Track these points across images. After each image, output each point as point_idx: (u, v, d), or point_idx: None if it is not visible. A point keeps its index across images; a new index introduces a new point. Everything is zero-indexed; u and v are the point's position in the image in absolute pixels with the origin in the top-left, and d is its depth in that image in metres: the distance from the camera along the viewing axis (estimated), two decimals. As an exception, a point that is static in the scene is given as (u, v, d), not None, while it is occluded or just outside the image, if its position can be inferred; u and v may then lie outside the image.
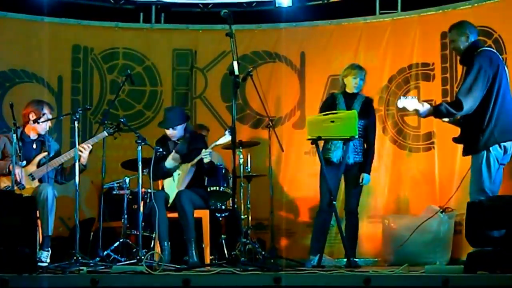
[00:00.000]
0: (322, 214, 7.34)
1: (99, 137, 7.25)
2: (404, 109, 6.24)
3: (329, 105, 7.43)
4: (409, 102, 6.12)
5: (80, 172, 6.94)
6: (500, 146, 6.03)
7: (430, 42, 8.83)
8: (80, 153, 6.99)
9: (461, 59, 6.41)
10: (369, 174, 7.48)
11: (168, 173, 7.47)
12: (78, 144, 6.84)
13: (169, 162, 7.42)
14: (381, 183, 8.92)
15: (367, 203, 8.88)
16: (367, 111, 7.42)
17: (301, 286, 4.89)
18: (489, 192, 5.94)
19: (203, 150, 7.29)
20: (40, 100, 7.40)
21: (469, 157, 6.21)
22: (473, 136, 6.04)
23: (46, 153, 7.15)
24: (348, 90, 7.49)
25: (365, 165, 7.46)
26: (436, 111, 6.18)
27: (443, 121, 6.46)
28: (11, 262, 4.99)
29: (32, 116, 7.08)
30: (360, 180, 7.43)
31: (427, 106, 6.16)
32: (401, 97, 6.22)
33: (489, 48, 6.34)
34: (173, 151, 7.48)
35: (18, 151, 6.82)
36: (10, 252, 5.07)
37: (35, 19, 9.24)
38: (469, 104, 5.98)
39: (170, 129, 7.50)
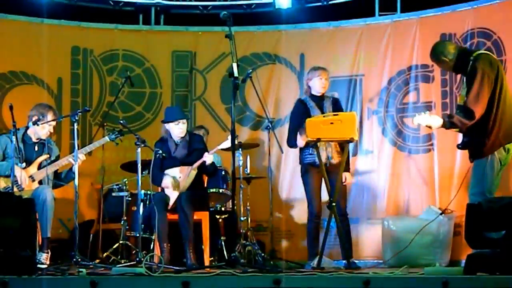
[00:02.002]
0: (313, 219, 7.33)
1: (100, 143, 7.26)
2: (419, 125, 6.23)
3: (301, 112, 7.34)
4: (423, 119, 6.09)
5: (71, 180, 6.96)
6: (504, 149, 6.03)
7: (429, 43, 8.68)
8: (81, 157, 7.00)
9: (454, 70, 6.41)
10: (349, 172, 7.47)
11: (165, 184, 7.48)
12: (78, 146, 6.84)
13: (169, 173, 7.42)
14: (380, 185, 8.92)
15: (367, 205, 8.90)
16: (338, 110, 7.40)
17: (301, 288, 4.89)
18: (488, 194, 5.93)
19: (205, 154, 7.28)
20: (47, 105, 7.35)
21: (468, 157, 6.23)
22: (479, 140, 6.03)
23: (47, 156, 7.16)
24: (315, 92, 7.44)
25: (346, 164, 7.41)
26: (450, 124, 6.14)
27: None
28: (11, 264, 4.99)
29: (34, 119, 7.07)
30: (344, 180, 7.37)
31: (439, 120, 6.12)
32: (416, 114, 6.19)
33: (485, 51, 6.34)
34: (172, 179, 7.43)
35: (18, 153, 6.83)
36: (10, 254, 5.07)
37: (34, 21, 9.24)
38: (479, 111, 5.98)
39: (181, 121, 7.46)
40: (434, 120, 6.11)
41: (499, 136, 5.99)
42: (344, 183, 7.38)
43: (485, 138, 5.99)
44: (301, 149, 7.36)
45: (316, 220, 7.31)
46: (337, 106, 7.47)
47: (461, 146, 6.39)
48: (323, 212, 7.50)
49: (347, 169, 7.43)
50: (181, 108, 7.91)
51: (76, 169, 6.70)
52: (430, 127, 6.19)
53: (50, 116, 7.13)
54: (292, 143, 7.41)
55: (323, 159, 7.19)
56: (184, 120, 7.49)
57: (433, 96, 8.75)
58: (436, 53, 6.38)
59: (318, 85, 7.40)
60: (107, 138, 7.22)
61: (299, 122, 7.17)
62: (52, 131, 7.31)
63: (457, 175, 8.25)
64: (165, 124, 7.52)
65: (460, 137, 6.53)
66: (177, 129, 7.45)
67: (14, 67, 9.11)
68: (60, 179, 7.29)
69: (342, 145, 7.19)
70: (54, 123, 7.22)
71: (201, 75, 9.69)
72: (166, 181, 7.36)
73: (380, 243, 8.43)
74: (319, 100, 7.40)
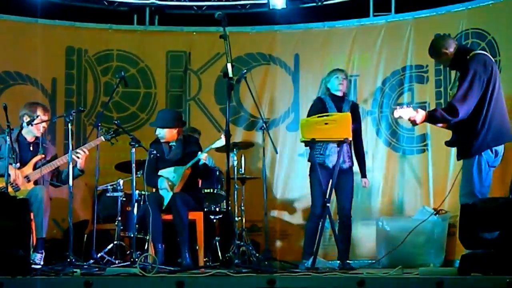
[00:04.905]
0: (314, 219, 7.34)
1: (96, 142, 7.25)
2: (400, 118, 6.21)
3: (319, 109, 7.39)
4: (405, 112, 6.10)
5: (76, 177, 6.97)
6: (491, 150, 6.02)
7: (423, 44, 8.73)
8: (76, 158, 7.01)
9: (450, 65, 6.39)
10: (366, 178, 7.67)
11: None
12: (72, 146, 6.84)
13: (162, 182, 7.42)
14: (375, 185, 8.92)
15: (361, 205, 8.89)
16: (354, 115, 7.42)
17: (295, 288, 4.90)
18: (479, 195, 5.92)
19: (199, 153, 7.29)
20: (34, 102, 7.40)
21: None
22: (467, 141, 6.02)
23: (42, 156, 7.15)
24: (334, 92, 7.48)
25: (362, 170, 7.56)
26: (431, 117, 6.15)
27: (436, 125, 6.46)
28: (5, 264, 4.98)
29: (26, 119, 7.08)
30: (364, 185, 7.65)
31: (421, 113, 6.13)
32: (397, 107, 6.20)
33: (481, 51, 6.31)
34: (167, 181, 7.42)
35: (12, 153, 6.81)
36: (4, 254, 5.06)
37: (29, 21, 9.23)
38: (464, 110, 5.95)
39: (158, 128, 7.50)
40: (418, 114, 6.10)
41: (487, 138, 5.97)
42: (363, 187, 7.76)
43: (473, 138, 5.98)
44: (311, 148, 7.35)
45: (317, 220, 7.33)
46: (354, 112, 7.44)
47: (448, 143, 6.38)
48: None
49: (364, 175, 7.69)
50: (167, 113, 7.82)
51: (70, 169, 6.69)
52: (413, 121, 6.15)
53: (40, 112, 7.13)
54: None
55: (333, 161, 7.22)
56: (164, 130, 7.49)
57: (427, 96, 8.76)
58: (438, 45, 6.28)
59: (335, 83, 7.48)
60: (102, 138, 7.21)
61: None
62: (45, 126, 7.31)
63: (451, 176, 8.26)
64: None
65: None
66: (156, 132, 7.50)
67: (8, 67, 9.09)
68: (59, 179, 7.28)
69: (339, 146, 7.22)
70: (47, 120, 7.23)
71: (196, 75, 9.69)
72: (162, 184, 7.38)
73: (374, 243, 8.44)
74: (338, 101, 7.44)
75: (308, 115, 7.53)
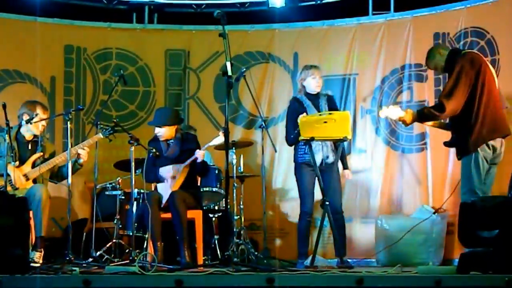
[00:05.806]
0: (305, 217, 7.32)
1: (94, 139, 7.25)
2: (387, 118, 6.26)
3: (298, 110, 7.34)
4: (392, 111, 6.14)
5: (75, 171, 6.99)
6: (488, 146, 6.04)
7: (423, 43, 8.83)
8: (81, 155, 7.05)
9: (444, 69, 6.43)
10: (349, 169, 7.57)
11: (162, 178, 7.45)
12: (71, 144, 6.85)
13: (163, 171, 7.39)
14: (374, 184, 8.93)
15: (360, 204, 8.90)
16: (333, 107, 7.42)
17: (294, 287, 4.88)
18: (479, 192, 5.95)
19: (197, 150, 7.28)
20: (33, 101, 7.39)
21: (461, 158, 6.25)
22: (463, 138, 6.05)
23: (41, 154, 7.15)
24: (310, 91, 7.43)
25: (344, 162, 7.48)
26: (420, 115, 6.19)
27: (428, 125, 6.50)
28: (4, 262, 4.98)
29: (25, 117, 7.08)
30: (347, 177, 7.46)
31: (410, 112, 6.18)
32: (383, 107, 6.24)
33: (471, 50, 6.38)
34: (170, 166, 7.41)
35: (11, 151, 6.81)
36: (3, 252, 5.06)
37: (27, 19, 9.22)
38: (451, 105, 6.00)
39: (156, 127, 7.49)
40: (407, 114, 6.14)
41: (482, 132, 6.02)
42: (347, 178, 7.56)
43: (468, 135, 6.02)
44: (296, 148, 7.36)
45: (307, 219, 7.32)
46: (332, 103, 7.48)
47: (447, 143, 6.41)
48: (316, 211, 7.52)
49: (346, 167, 7.53)
50: (164, 112, 7.77)
51: (69, 167, 6.69)
52: (404, 121, 6.19)
53: (39, 110, 7.13)
54: (290, 140, 7.40)
55: (319, 158, 7.19)
56: (163, 128, 7.46)
57: (426, 95, 8.76)
58: (432, 59, 6.43)
59: (313, 84, 7.40)
60: (100, 135, 7.21)
61: (296, 119, 7.16)
62: (45, 124, 7.31)
63: (450, 174, 8.27)
64: None
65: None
66: (155, 131, 7.48)
67: (7, 66, 9.09)
68: (57, 177, 7.28)
69: (336, 144, 7.20)
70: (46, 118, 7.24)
71: (195, 73, 9.69)
72: (166, 173, 7.34)
73: (374, 242, 8.44)
74: (314, 99, 7.40)
75: (287, 117, 7.49)
